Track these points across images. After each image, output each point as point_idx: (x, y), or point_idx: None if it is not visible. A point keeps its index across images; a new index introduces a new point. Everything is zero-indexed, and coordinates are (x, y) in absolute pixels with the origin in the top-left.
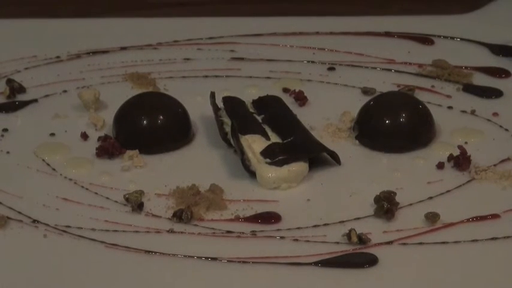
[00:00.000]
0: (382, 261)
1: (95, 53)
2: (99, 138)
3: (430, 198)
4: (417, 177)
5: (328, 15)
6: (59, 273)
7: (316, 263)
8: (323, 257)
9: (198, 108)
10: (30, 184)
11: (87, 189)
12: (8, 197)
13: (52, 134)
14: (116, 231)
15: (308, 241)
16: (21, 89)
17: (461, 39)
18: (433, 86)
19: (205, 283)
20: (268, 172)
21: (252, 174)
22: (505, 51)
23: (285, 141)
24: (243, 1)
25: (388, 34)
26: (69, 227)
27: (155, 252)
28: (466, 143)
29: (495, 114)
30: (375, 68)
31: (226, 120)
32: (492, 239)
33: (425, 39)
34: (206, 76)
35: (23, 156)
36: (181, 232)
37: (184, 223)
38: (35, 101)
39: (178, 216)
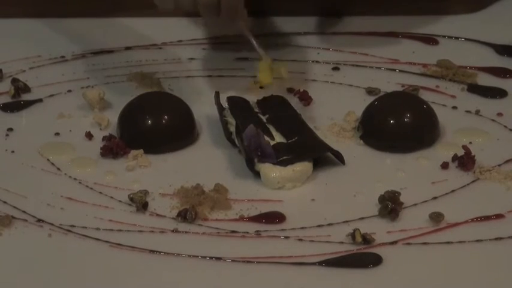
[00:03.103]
0: (387, 261)
1: (99, 52)
2: (104, 138)
3: (435, 198)
4: (421, 177)
5: (332, 15)
6: (63, 273)
7: (320, 263)
8: (327, 257)
9: (203, 108)
10: (35, 183)
11: (91, 188)
12: (12, 196)
13: (57, 134)
14: (120, 230)
15: (312, 241)
16: (26, 89)
17: (466, 39)
18: (437, 86)
19: (210, 283)
20: (273, 172)
21: (257, 174)
22: (510, 52)
23: (289, 141)
24: (249, 1)
25: (392, 34)
26: (73, 226)
27: (159, 252)
28: (470, 143)
29: (500, 114)
30: (380, 68)
31: (231, 120)
32: (497, 239)
33: (429, 39)
34: (211, 76)
35: (27, 156)
36: (186, 232)
37: (189, 223)
38: (40, 100)
39: (183, 215)
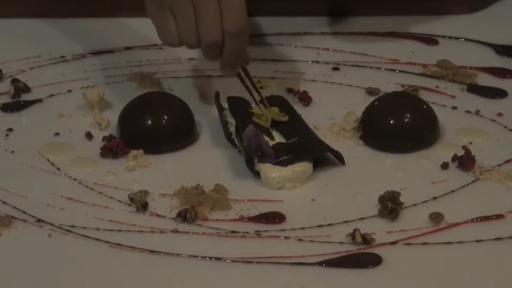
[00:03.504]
0: (387, 261)
1: (99, 52)
2: (104, 138)
3: (435, 198)
4: (421, 177)
5: (332, 15)
6: (63, 273)
7: (320, 263)
8: (327, 257)
9: (203, 108)
10: (35, 183)
11: (91, 188)
12: (12, 196)
13: (57, 134)
14: (120, 231)
15: (312, 241)
16: (26, 89)
17: (466, 39)
18: (437, 86)
19: (210, 283)
20: (273, 172)
21: (257, 174)
22: (510, 52)
23: (289, 141)
24: (247, 1)
25: (392, 34)
26: (73, 226)
27: (159, 252)
28: (470, 143)
29: (500, 114)
30: (379, 68)
31: (231, 120)
32: (496, 239)
33: (429, 40)
34: (211, 76)
35: (27, 156)
36: (186, 232)
37: (189, 223)
38: (40, 100)
39: (183, 216)
